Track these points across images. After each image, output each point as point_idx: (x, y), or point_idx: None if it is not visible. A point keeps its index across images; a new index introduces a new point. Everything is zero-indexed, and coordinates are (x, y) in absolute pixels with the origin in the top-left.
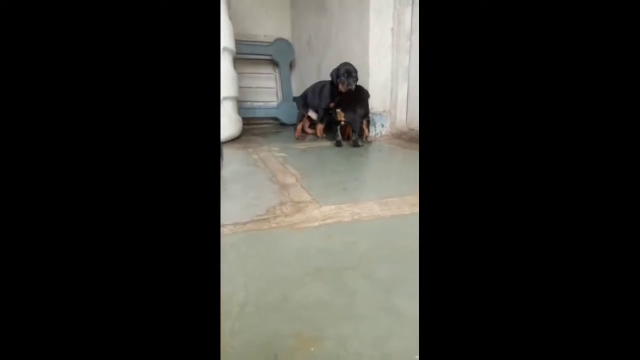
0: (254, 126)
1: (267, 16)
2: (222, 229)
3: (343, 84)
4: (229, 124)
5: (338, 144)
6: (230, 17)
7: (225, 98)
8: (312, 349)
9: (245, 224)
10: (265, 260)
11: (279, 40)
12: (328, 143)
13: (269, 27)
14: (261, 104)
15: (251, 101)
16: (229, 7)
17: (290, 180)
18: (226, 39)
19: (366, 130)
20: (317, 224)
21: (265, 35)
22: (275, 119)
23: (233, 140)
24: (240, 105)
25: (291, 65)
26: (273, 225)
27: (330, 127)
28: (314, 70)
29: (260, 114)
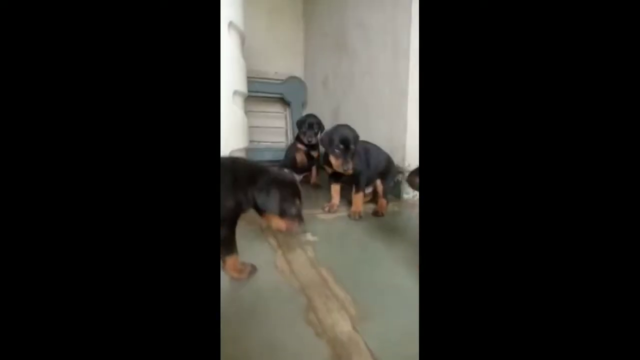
0: None
1: (278, 52)
2: None
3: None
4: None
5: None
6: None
7: (234, 151)
8: None
9: None
10: None
11: (291, 78)
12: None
13: (280, 64)
14: (269, 144)
15: (257, 141)
16: (243, 43)
17: (342, 323)
18: (238, 82)
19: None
20: None
21: (275, 73)
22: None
23: None
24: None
25: (303, 106)
26: None
27: None
28: (328, 114)
29: (267, 156)
